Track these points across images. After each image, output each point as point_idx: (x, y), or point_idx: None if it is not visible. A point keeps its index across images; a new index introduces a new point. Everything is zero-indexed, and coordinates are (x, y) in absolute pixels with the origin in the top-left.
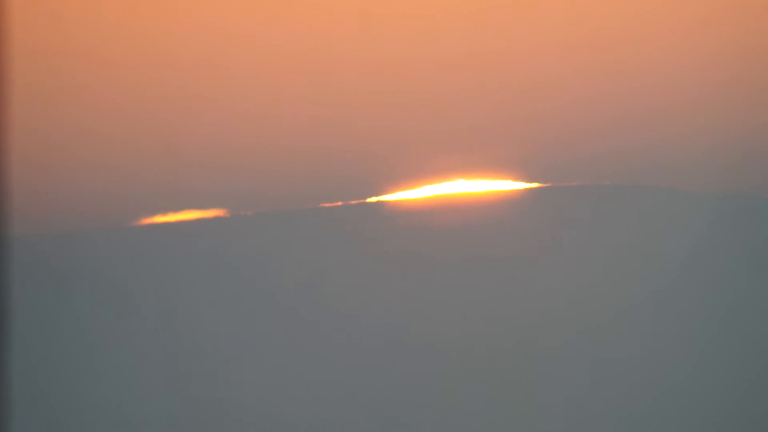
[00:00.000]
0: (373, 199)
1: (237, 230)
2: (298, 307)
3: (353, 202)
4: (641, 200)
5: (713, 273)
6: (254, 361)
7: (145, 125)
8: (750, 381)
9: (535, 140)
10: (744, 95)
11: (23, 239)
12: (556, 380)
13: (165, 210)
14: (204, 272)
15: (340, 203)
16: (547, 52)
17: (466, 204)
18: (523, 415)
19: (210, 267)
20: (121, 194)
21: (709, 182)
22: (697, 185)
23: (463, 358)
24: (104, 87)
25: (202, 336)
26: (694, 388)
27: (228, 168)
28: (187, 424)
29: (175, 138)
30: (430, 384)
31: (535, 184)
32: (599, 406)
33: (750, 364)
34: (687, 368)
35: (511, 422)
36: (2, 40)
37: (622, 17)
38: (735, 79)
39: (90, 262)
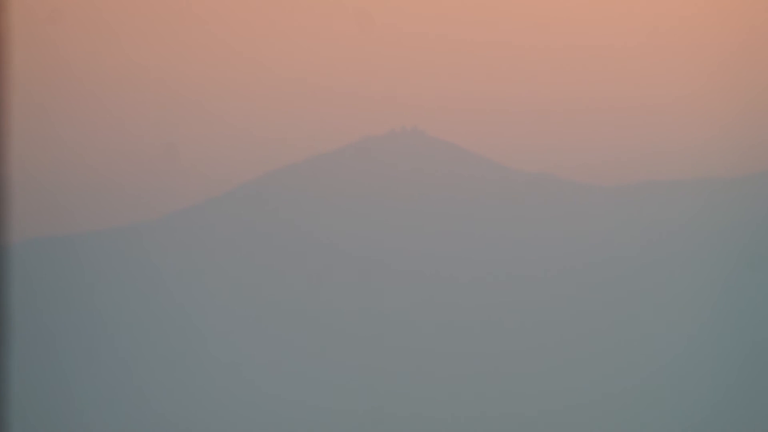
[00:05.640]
0: None
1: (242, 229)
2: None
3: None
4: (643, 199)
5: (712, 271)
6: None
7: (147, 126)
8: (748, 379)
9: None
10: (745, 95)
11: (23, 240)
12: (556, 376)
13: (165, 209)
14: (204, 272)
15: None
16: (552, 54)
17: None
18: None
19: (210, 266)
20: (122, 194)
21: (711, 179)
22: (700, 182)
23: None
24: (104, 87)
25: (204, 336)
26: (692, 384)
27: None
28: (190, 423)
29: (175, 139)
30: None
31: (534, 179)
32: (599, 401)
33: (749, 362)
34: (686, 365)
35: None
36: (2, 40)
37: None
38: (737, 79)
39: (90, 262)
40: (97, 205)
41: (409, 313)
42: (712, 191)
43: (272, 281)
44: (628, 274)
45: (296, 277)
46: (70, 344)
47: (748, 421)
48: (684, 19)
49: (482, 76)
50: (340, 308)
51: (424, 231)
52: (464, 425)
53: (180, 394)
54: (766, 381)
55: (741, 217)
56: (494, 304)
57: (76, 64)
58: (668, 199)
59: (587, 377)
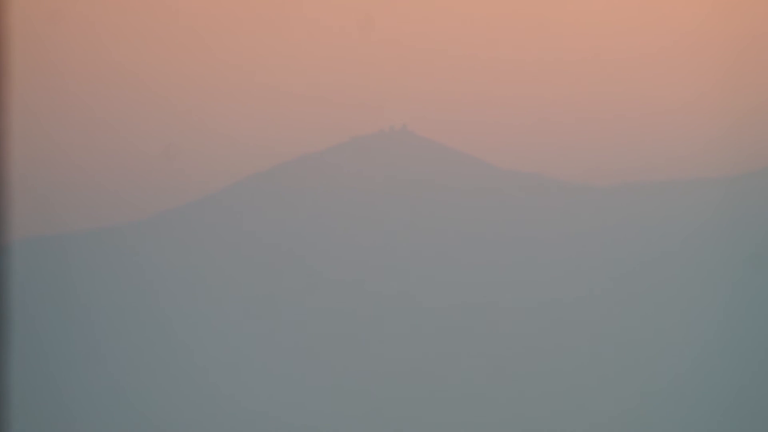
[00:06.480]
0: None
1: (240, 229)
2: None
3: None
4: (642, 198)
5: (713, 270)
6: (262, 361)
7: (145, 126)
8: (749, 379)
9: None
10: (744, 94)
11: (22, 238)
12: (555, 377)
13: (160, 208)
14: (201, 272)
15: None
16: (551, 53)
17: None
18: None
19: (207, 266)
20: (120, 194)
21: (710, 177)
22: (699, 181)
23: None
24: (104, 87)
25: (202, 335)
26: (694, 384)
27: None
28: (186, 422)
29: (172, 139)
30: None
31: (534, 181)
32: (599, 401)
33: (749, 362)
34: (686, 365)
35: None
36: (2, 40)
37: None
38: (737, 79)
39: (90, 262)
40: (96, 204)
41: (401, 314)
42: (712, 191)
43: (265, 281)
44: (628, 275)
45: (288, 278)
46: (68, 343)
47: (756, 425)
48: (683, 17)
49: (472, 75)
50: (331, 308)
51: (414, 231)
52: (460, 429)
53: (179, 393)
54: None
55: (742, 217)
56: (487, 307)
57: (76, 64)
58: (668, 199)
59: (586, 381)
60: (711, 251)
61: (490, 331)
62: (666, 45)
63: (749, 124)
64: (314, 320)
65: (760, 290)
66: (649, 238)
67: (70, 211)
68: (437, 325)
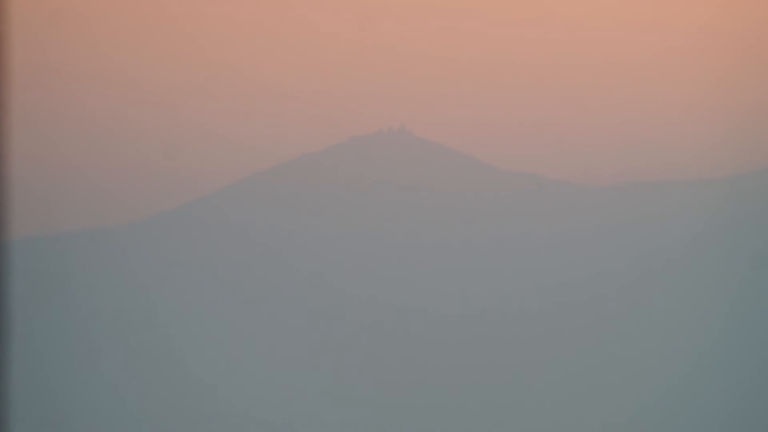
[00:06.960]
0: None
1: (238, 229)
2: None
3: None
4: (643, 198)
5: (714, 271)
6: (260, 363)
7: (144, 126)
8: (753, 380)
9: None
10: (745, 94)
11: (23, 239)
12: (555, 381)
13: (159, 208)
14: (200, 272)
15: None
16: (549, 52)
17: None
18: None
19: (205, 267)
20: (119, 195)
21: (711, 177)
22: (700, 182)
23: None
24: (103, 88)
25: (201, 336)
26: (695, 386)
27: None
28: (184, 422)
29: (172, 139)
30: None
31: (535, 180)
32: (597, 401)
33: (752, 362)
34: (688, 366)
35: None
36: (2, 40)
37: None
38: (734, 78)
39: (89, 263)
40: (96, 204)
41: (399, 315)
42: (713, 191)
43: (264, 281)
44: (629, 276)
45: (287, 278)
46: (68, 343)
47: (760, 425)
48: (684, 18)
49: (471, 76)
50: (329, 310)
51: (412, 232)
52: None
53: (178, 394)
54: None
55: (743, 217)
56: (487, 309)
57: (76, 64)
58: (669, 199)
59: (585, 383)
60: (712, 251)
61: (490, 331)
62: (666, 46)
63: (750, 124)
64: (313, 321)
65: (761, 290)
66: (649, 238)
67: (69, 212)
68: (435, 324)
